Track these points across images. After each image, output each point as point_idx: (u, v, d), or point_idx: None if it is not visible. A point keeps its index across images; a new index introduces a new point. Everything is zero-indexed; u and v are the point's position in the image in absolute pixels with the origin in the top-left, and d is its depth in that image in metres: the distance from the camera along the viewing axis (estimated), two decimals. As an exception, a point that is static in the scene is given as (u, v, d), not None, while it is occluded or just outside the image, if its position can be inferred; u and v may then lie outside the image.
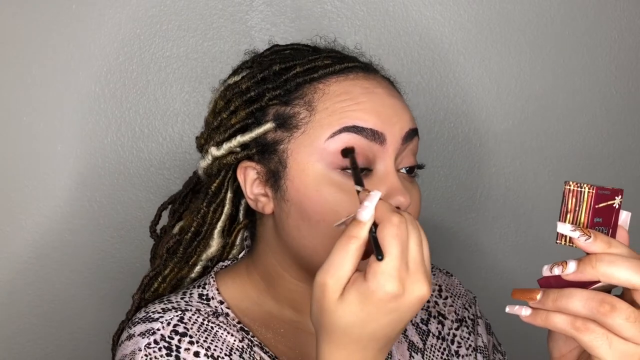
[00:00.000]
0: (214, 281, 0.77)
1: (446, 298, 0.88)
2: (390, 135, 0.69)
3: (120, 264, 1.10)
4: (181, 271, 0.80)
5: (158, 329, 0.69)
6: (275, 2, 1.08)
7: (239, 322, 0.74)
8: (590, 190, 0.59)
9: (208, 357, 0.68)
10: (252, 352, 0.71)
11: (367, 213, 0.56)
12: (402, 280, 0.54)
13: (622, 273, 0.55)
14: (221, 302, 0.75)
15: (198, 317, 0.72)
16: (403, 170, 0.72)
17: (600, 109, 1.18)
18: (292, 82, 0.72)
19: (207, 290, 0.76)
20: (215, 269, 0.80)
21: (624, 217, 0.61)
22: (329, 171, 0.68)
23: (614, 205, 0.60)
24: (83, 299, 1.10)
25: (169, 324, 0.70)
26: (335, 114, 0.69)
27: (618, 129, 1.19)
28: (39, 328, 1.10)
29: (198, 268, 0.80)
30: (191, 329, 0.70)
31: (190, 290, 0.76)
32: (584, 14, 1.14)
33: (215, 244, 0.78)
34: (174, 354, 0.67)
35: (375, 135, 0.68)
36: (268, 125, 0.71)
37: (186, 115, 1.08)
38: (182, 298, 0.75)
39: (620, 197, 0.60)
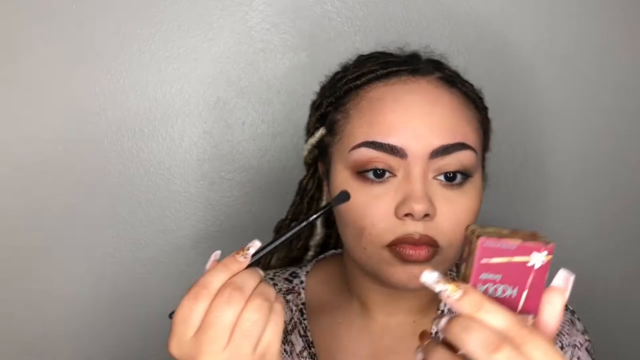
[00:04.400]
0: (311, 265, 0.85)
1: None
2: (411, 151, 0.67)
3: (120, 264, 1.10)
4: (290, 253, 0.88)
5: None
6: (275, 2, 1.07)
7: (303, 304, 0.80)
8: (478, 241, 0.50)
9: None
10: (287, 335, 0.77)
11: (208, 266, 0.60)
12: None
13: (471, 344, 0.47)
14: (301, 282, 0.82)
15: None
16: (441, 178, 0.68)
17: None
18: (341, 89, 0.74)
19: (300, 271, 0.84)
20: (323, 255, 0.87)
21: (562, 278, 0.51)
22: (350, 178, 0.70)
23: (529, 264, 0.50)
24: (81, 299, 1.10)
25: None
26: (362, 126, 0.70)
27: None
28: (38, 328, 1.10)
29: (311, 253, 0.89)
30: None
31: (292, 269, 0.85)
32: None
33: (319, 232, 0.87)
34: None
35: (394, 151, 0.67)
36: (321, 131, 0.77)
37: (186, 115, 1.08)
38: (275, 273, 0.84)
39: (545, 253, 0.50)
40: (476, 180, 0.71)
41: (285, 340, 0.78)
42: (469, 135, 0.70)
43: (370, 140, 0.68)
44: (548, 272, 0.50)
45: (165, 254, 1.11)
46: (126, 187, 1.08)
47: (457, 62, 0.75)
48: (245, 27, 1.08)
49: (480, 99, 0.77)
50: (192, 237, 1.10)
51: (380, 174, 0.68)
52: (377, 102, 0.70)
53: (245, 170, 1.11)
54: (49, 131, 1.05)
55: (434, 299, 0.78)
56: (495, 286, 0.50)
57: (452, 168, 0.68)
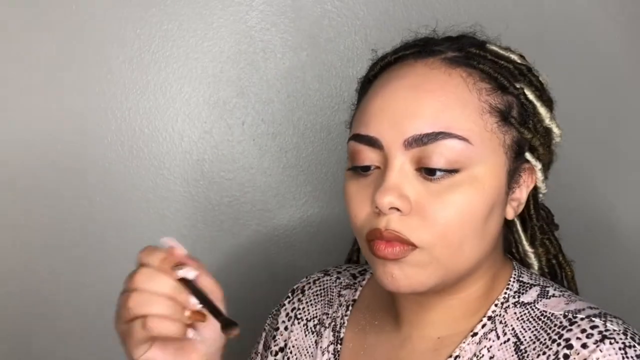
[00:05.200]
0: None
1: None
2: (386, 141, 0.63)
3: (119, 264, 1.09)
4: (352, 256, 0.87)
5: (301, 281, 0.84)
6: (275, 2, 1.07)
7: (354, 300, 0.78)
8: None
9: (294, 318, 0.81)
10: (321, 327, 0.78)
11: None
12: None
13: None
14: (364, 280, 0.80)
15: (327, 282, 0.82)
16: (423, 170, 0.62)
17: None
18: (365, 81, 0.72)
19: (370, 268, 0.80)
20: None
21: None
22: (348, 171, 0.68)
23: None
24: (79, 299, 1.10)
25: (307, 278, 0.84)
26: (356, 120, 0.68)
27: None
28: (35, 328, 1.10)
29: None
30: (307, 290, 0.82)
31: (364, 267, 0.83)
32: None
33: None
34: (280, 305, 0.84)
35: (370, 142, 0.64)
36: None
37: (186, 115, 1.08)
38: (347, 267, 0.84)
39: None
40: (478, 173, 0.62)
41: (318, 332, 0.78)
42: (459, 122, 0.62)
43: (356, 132, 0.66)
44: None
45: (165, 254, 1.10)
46: (126, 188, 1.08)
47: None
48: (245, 27, 1.08)
49: (510, 78, 0.66)
50: (192, 237, 1.10)
51: (366, 166, 0.65)
52: (371, 91, 0.67)
53: (245, 170, 1.11)
54: (49, 131, 1.05)
55: (467, 315, 0.68)
56: None
57: (433, 160, 0.61)
